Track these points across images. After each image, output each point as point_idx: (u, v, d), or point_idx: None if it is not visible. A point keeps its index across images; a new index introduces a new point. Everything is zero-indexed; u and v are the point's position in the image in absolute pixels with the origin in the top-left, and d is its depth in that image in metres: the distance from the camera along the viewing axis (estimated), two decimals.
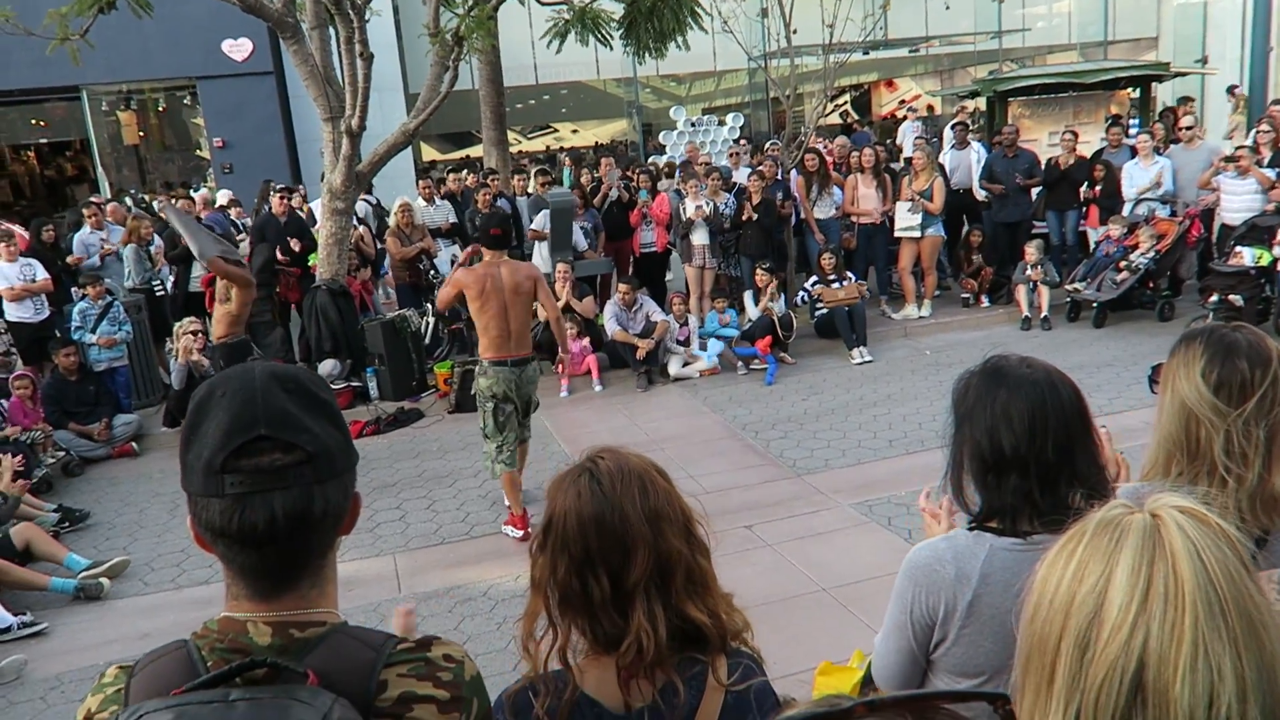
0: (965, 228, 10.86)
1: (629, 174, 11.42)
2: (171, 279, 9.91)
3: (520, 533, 5.79)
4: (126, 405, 8.54)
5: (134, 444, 8.13)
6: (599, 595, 1.42)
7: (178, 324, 8.75)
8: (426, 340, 9.25)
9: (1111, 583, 0.96)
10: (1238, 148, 9.84)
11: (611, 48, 11.65)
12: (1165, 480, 1.98)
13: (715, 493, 6.31)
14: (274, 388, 1.15)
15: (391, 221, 9.81)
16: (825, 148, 11.30)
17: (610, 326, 8.93)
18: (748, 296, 9.35)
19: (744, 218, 9.71)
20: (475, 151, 18.38)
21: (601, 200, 10.46)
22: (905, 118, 15.71)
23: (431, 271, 9.84)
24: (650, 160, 15.32)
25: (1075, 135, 10.45)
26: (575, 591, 1.44)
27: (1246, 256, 8.51)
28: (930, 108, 19.21)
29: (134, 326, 8.76)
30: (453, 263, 10.31)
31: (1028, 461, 1.68)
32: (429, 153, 22.95)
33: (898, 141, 12.68)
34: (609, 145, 22.93)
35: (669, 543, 1.43)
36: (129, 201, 17.04)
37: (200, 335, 8.37)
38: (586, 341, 8.95)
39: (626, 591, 1.42)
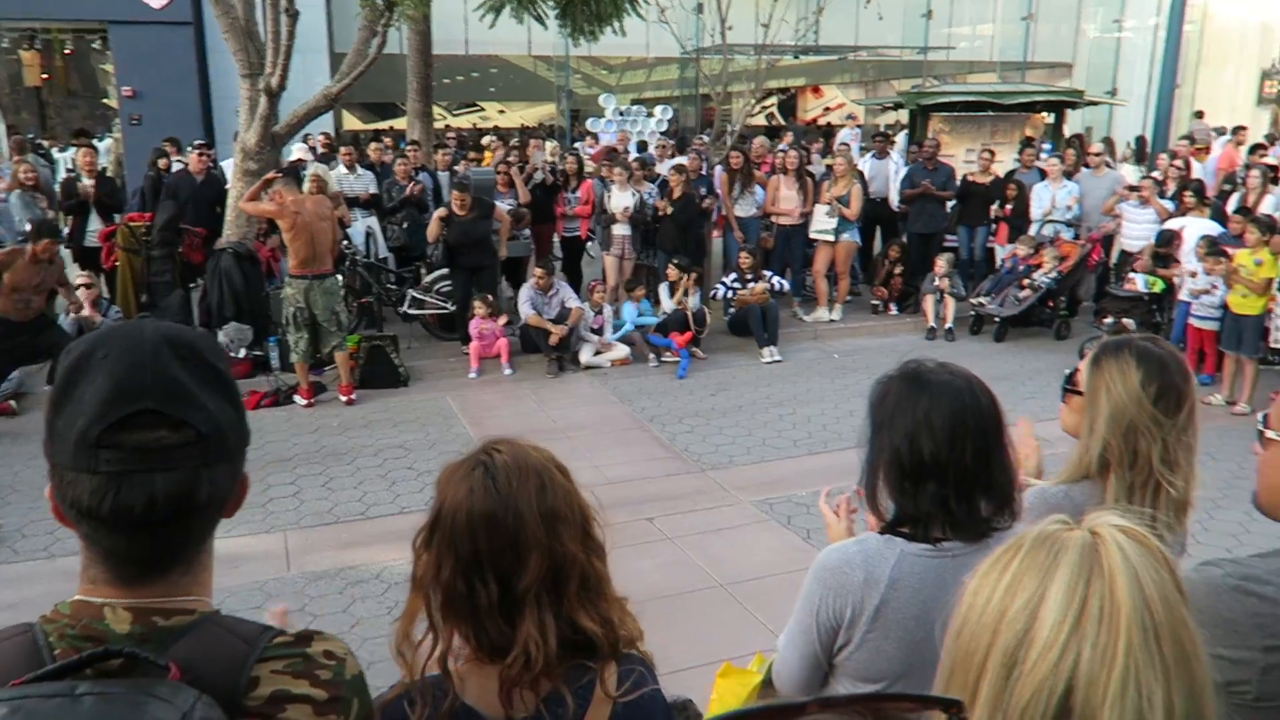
0: (881, 238, 11.10)
1: (554, 157, 11.31)
2: (66, 230, 9.41)
3: (305, 401, 7.86)
4: None
5: (13, 402, 7.70)
6: (486, 600, 1.33)
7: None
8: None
9: (1045, 601, 0.93)
10: (1142, 178, 10.29)
11: (546, 26, 11.51)
12: (1074, 484, 2.04)
13: (619, 483, 6.31)
14: (167, 354, 1.03)
15: (305, 189, 9.49)
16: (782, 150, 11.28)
17: (524, 310, 8.84)
18: (663, 289, 9.37)
19: (660, 213, 9.72)
20: (399, 123, 17.97)
21: (526, 179, 10.34)
22: (844, 126, 15.97)
23: (344, 242, 9.57)
24: (574, 146, 15.23)
25: (992, 154, 10.77)
26: (460, 595, 1.34)
27: (1140, 283, 8.90)
28: (853, 116, 19.56)
29: None
30: (368, 234, 10.08)
31: (946, 468, 1.68)
32: (351, 121, 22.35)
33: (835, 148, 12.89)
34: (536, 128, 22.70)
35: (565, 547, 1.34)
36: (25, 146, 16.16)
37: (93, 288, 7.99)
38: (500, 323, 8.84)
39: (516, 598, 1.33)
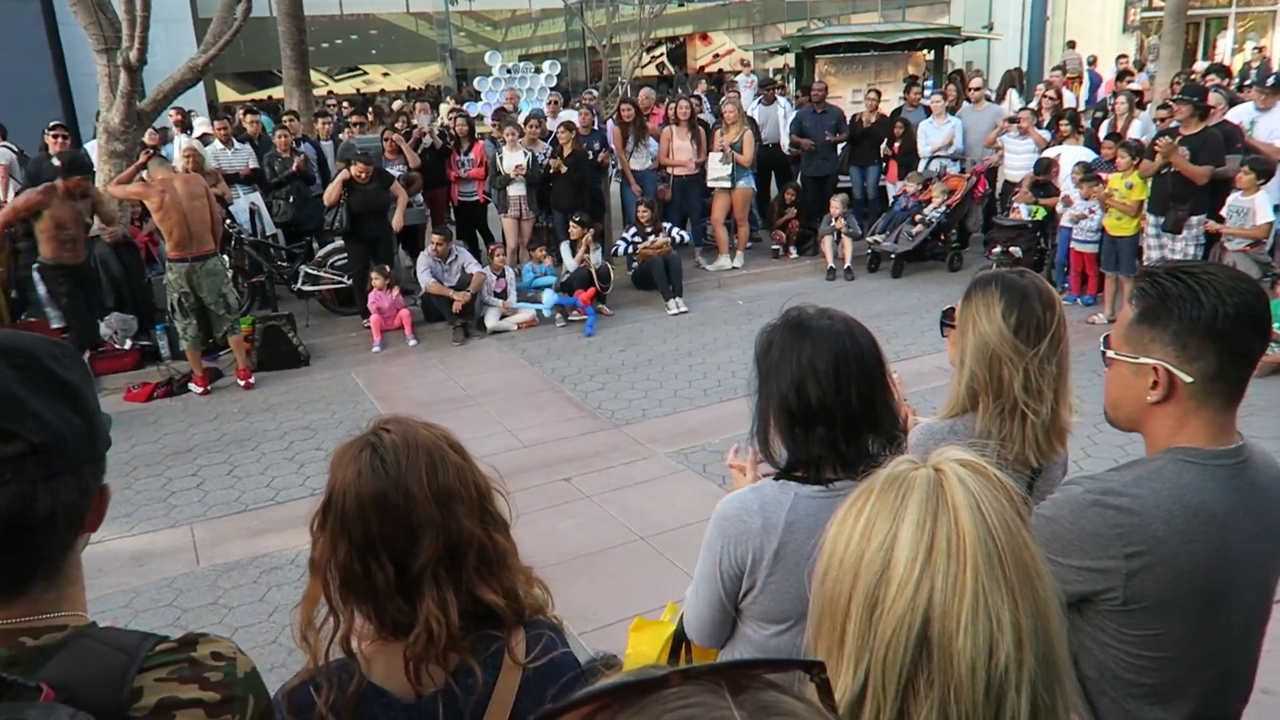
0: (776, 183, 11.19)
1: (449, 118, 11.03)
2: None
3: (201, 389, 7.60)
4: None
5: None
6: (383, 580, 1.32)
7: None
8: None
9: (898, 540, 0.97)
10: (1019, 109, 10.59)
11: None
12: (958, 418, 2.11)
13: (534, 446, 6.28)
14: (3, 365, 1.00)
15: (178, 167, 9.03)
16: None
17: (424, 278, 8.65)
18: (564, 248, 9.29)
19: (551, 170, 9.59)
20: (277, 92, 17.25)
21: (415, 145, 10.06)
22: (738, 72, 15.95)
23: (227, 221, 9.17)
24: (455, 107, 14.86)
25: (878, 94, 10.93)
26: (357, 576, 1.33)
27: (1024, 212, 9.21)
28: (743, 61, 19.58)
29: None
30: (252, 211, 9.68)
31: (833, 411, 1.72)
32: (226, 92, 21.35)
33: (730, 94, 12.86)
34: (423, 90, 22.08)
35: (460, 523, 1.34)
36: None
37: None
38: (397, 294, 8.64)
39: (413, 577, 1.33)
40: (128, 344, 8.00)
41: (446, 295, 8.56)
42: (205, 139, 10.05)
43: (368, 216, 8.66)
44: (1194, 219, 7.50)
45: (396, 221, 9.06)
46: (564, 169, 9.56)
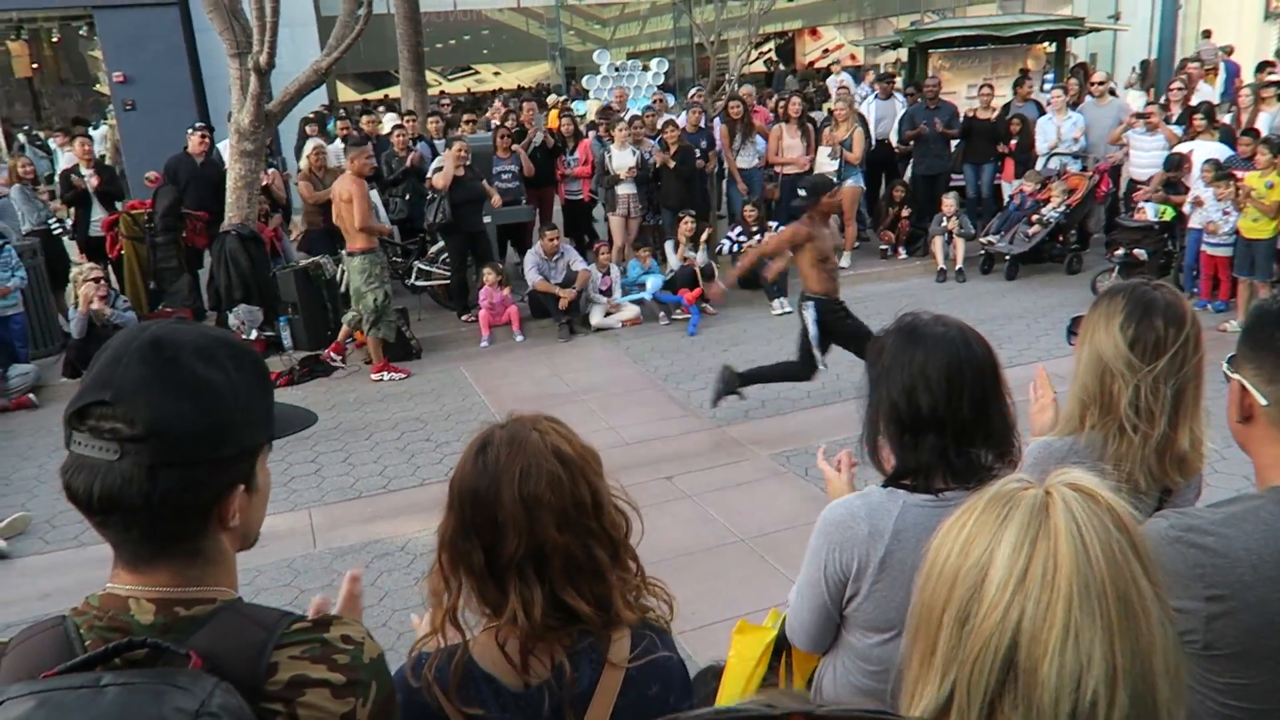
0: (884, 181, 10.98)
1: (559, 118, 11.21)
2: (70, 221, 9.42)
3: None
4: (23, 355, 8.13)
5: (32, 395, 7.77)
6: (477, 563, 1.41)
7: (76, 269, 8.34)
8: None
9: (994, 559, 0.97)
10: (1147, 104, 10.12)
11: None
12: (1079, 435, 2.04)
13: (635, 444, 6.34)
14: (145, 352, 1.08)
15: (304, 164, 9.45)
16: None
17: (531, 276, 8.82)
18: (669, 247, 9.33)
19: (658, 165, 9.63)
20: (394, 92, 17.83)
21: (526, 145, 10.26)
22: (831, 70, 15.73)
23: None
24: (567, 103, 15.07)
25: (992, 89, 10.60)
26: (460, 552, 1.43)
27: (1150, 212, 8.79)
28: (853, 57, 19.25)
29: (29, 272, 8.31)
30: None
31: (945, 420, 1.70)
32: (345, 92, 22.19)
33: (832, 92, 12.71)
34: (535, 89, 22.46)
35: (545, 530, 1.38)
36: (22, 139, 16.12)
37: (103, 283, 8.00)
38: (507, 291, 8.83)
39: (501, 566, 1.40)
40: (254, 334, 8.41)
41: (553, 292, 8.70)
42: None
43: (467, 209, 8.85)
44: None
45: (495, 201, 9.23)
46: (672, 164, 9.59)
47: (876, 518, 1.75)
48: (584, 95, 16.43)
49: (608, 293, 9.09)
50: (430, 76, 19.48)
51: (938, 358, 1.72)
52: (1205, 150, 8.48)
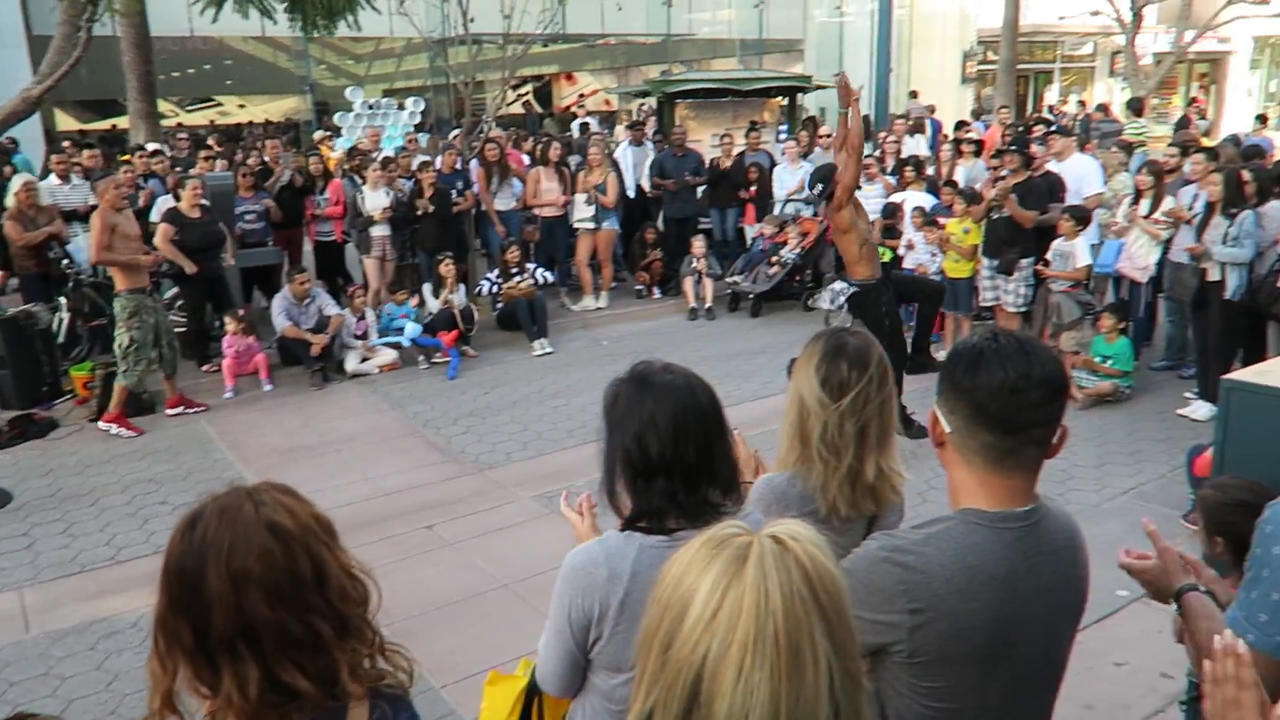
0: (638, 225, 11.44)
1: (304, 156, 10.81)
2: None
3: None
4: None
5: None
6: (187, 642, 1.35)
7: None
8: (61, 339, 8.17)
9: (695, 596, 1.06)
10: (866, 156, 11.17)
11: (276, 20, 10.92)
12: (790, 469, 2.23)
13: (395, 493, 6.18)
14: None
15: (10, 202, 8.52)
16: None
17: (279, 321, 8.40)
18: (427, 289, 9.21)
19: (419, 212, 9.54)
20: (122, 122, 16.46)
21: (273, 185, 9.80)
22: (575, 115, 16.21)
23: (65, 260, 8.68)
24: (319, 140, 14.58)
25: (732, 138, 11.34)
26: (172, 632, 1.37)
27: None
28: (608, 102, 19.95)
29: None
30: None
31: (673, 464, 1.79)
32: (66, 121, 20.22)
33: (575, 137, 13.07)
34: (282, 123, 21.47)
35: (255, 609, 1.34)
36: None
37: None
38: (254, 338, 8.36)
39: (210, 646, 1.35)
40: None
41: (304, 338, 8.33)
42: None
43: (202, 254, 8.31)
44: (1024, 261, 8.07)
45: (229, 259, 8.76)
46: (432, 209, 9.51)
47: (615, 562, 1.82)
48: (336, 132, 15.91)
49: (363, 337, 8.83)
50: (166, 106, 18.17)
51: (666, 405, 1.82)
52: (914, 199, 9.50)
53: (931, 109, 16.20)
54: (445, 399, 8.05)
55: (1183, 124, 14.15)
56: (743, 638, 1.02)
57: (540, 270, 9.81)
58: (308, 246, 10.35)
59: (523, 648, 3.57)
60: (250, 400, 8.13)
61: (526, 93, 22.64)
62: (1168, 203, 7.65)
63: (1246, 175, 6.79)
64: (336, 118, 16.79)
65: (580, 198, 10.30)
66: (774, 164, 11.32)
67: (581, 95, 21.51)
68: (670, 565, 1.12)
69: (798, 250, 10.24)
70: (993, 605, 1.58)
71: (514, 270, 9.50)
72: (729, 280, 10.49)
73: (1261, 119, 15.94)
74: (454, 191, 9.94)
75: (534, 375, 8.62)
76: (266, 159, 10.36)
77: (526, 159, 11.63)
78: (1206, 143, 10.94)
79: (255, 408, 7.99)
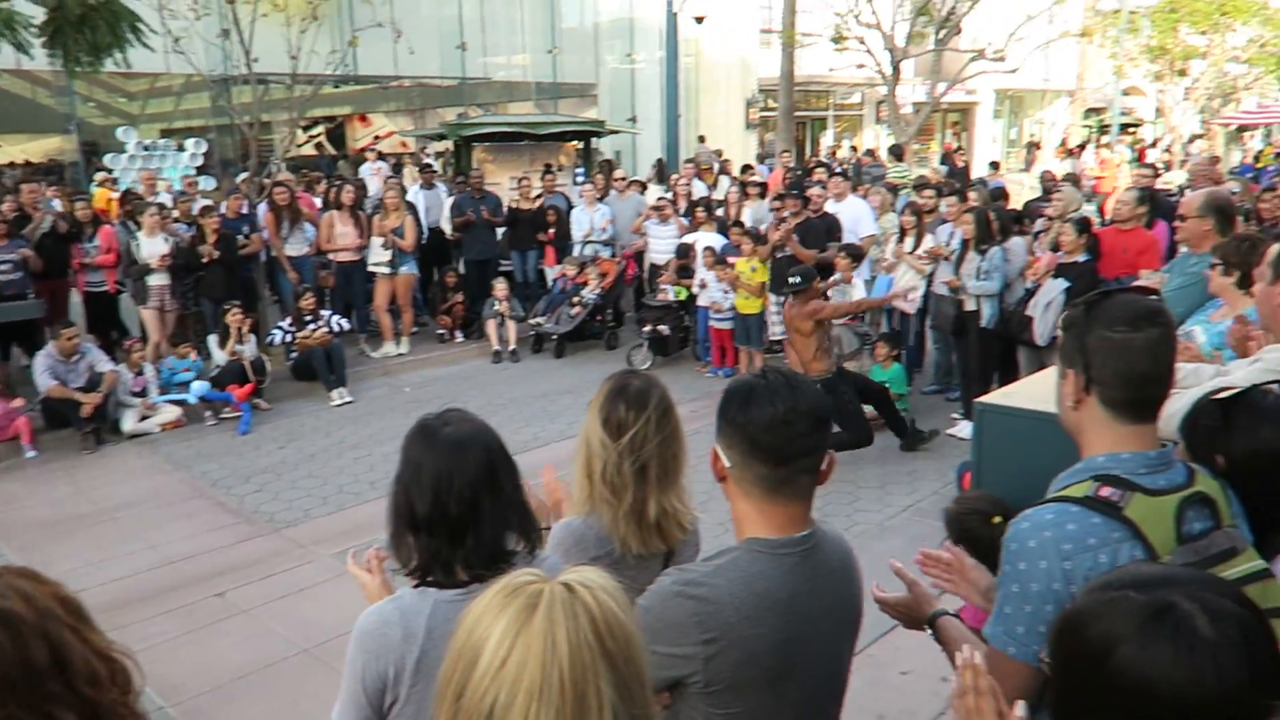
0: (436, 269, 11.34)
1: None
2: None
3: None
4: None
5: None
6: None
7: None
8: None
9: (485, 645, 1.09)
10: (659, 198, 11.60)
11: (33, 56, 10.07)
12: (586, 512, 2.28)
13: (182, 561, 5.78)
14: None
15: None
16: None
17: (43, 381, 7.70)
18: (212, 341, 8.71)
19: (203, 259, 9.04)
20: None
21: (32, 232, 8.99)
22: (367, 158, 15.91)
23: None
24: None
25: (530, 181, 11.48)
26: None
27: (669, 293, 10.05)
28: (404, 145, 19.64)
29: None
30: None
31: (456, 517, 1.79)
32: None
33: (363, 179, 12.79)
34: (49, 164, 19.70)
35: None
36: None
37: None
38: (16, 401, 7.61)
39: None
40: None
41: (73, 398, 7.67)
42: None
43: None
44: None
45: None
46: (216, 255, 9.02)
47: (409, 620, 1.79)
48: (108, 175, 14.79)
49: (142, 394, 8.22)
50: None
51: (445, 459, 1.81)
52: (706, 239, 9.93)
53: (719, 153, 17.00)
54: (236, 456, 7.62)
55: (946, 161, 15.58)
56: (529, 686, 1.05)
57: (336, 318, 9.51)
58: (76, 298, 9.55)
59: (327, 716, 3.43)
60: (10, 469, 7.39)
61: (318, 134, 21.92)
62: (928, 241, 8.39)
63: (992, 215, 7.57)
64: (108, 159, 15.67)
65: (377, 241, 10.09)
66: (571, 206, 11.53)
67: (376, 137, 21.09)
68: (467, 614, 1.14)
69: (598, 291, 10.45)
70: (779, 629, 1.68)
71: (308, 318, 9.16)
72: (532, 322, 10.56)
73: (994, 165, 17.86)
74: (240, 236, 9.49)
75: (333, 426, 8.31)
76: (24, 203, 9.49)
77: (319, 202, 11.27)
78: (952, 183, 12.03)
79: (16, 476, 7.26)
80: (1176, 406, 2.42)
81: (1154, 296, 1.77)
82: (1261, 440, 1.91)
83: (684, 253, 9.98)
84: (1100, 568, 1.55)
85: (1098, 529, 1.59)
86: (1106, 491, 1.63)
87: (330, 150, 21.26)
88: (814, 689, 1.79)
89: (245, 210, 10.02)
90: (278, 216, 9.99)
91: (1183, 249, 5.41)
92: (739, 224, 9.79)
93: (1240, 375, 2.35)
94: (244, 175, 11.64)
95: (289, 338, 9.13)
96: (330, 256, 10.28)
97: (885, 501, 6.41)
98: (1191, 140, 23.92)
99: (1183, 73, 27.29)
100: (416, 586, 1.86)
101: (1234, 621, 1.08)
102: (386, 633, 1.80)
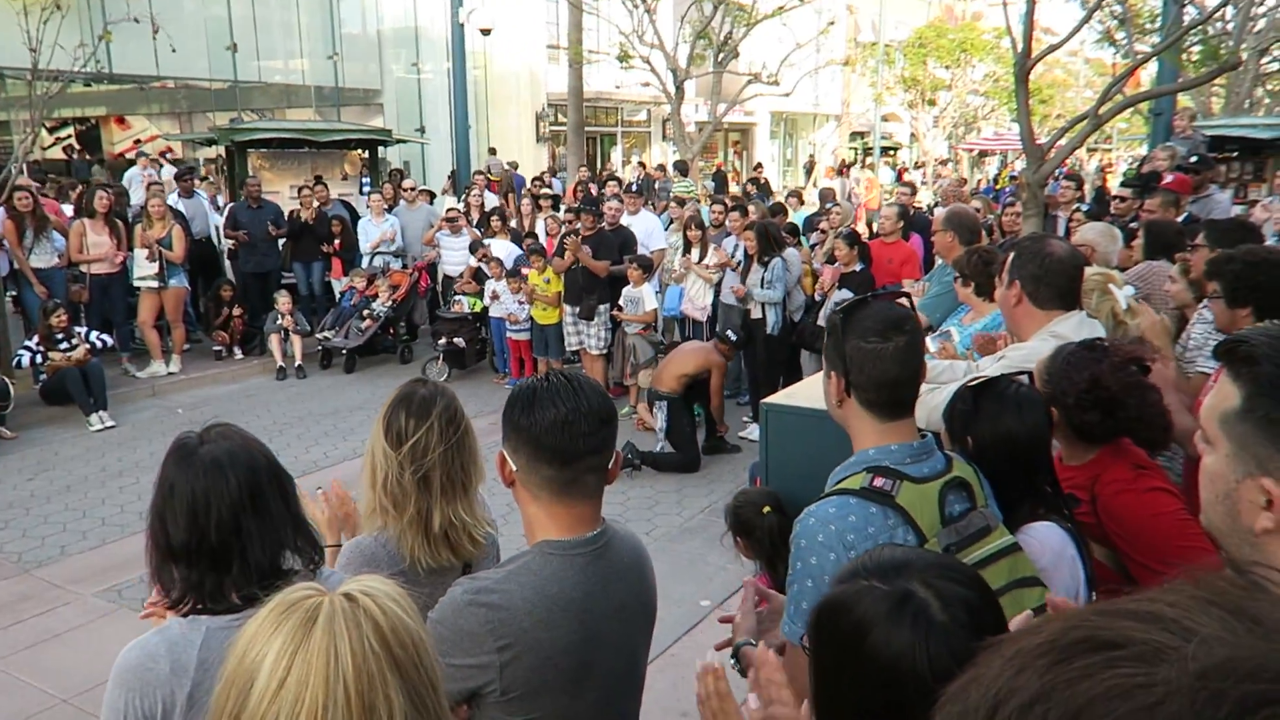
0: (203, 281, 10.62)
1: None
2: None
3: None
4: None
5: None
6: None
7: None
8: None
9: (261, 665, 1.02)
10: (449, 209, 11.42)
11: None
12: (377, 530, 2.18)
13: None
14: None
15: None
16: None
17: None
18: None
19: None
20: None
21: None
22: (134, 161, 14.66)
23: None
24: None
25: (313, 190, 10.96)
26: None
27: (465, 304, 9.90)
28: (169, 150, 18.22)
29: None
30: None
31: (191, 549, 1.67)
32: None
33: (129, 187, 11.75)
34: None
35: None
36: None
37: None
38: None
39: None
40: None
41: None
42: None
43: None
44: (601, 307, 8.73)
45: None
46: None
47: (178, 652, 1.65)
48: None
49: None
50: None
51: (184, 485, 1.68)
52: (499, 249, 9.87)
53: (515, 165, 16.95)
54: None
55: (721, 178, 16.31)
56: (311, 704, 0.99)
57: (95, 334, 8.67)
58: None
59: None
60: None
61: (67, 136, 19.96)
62: (711, 254, 8.74)
63: (770, 230, 7.99)
64: None
65: (141, 253, 9.30)
66: (357, 217, 11.13)
67: (138, 141, 19.48)
68: (238, 637, 1.07)
69: (390, 303, 10.14)
70: (574, 629, 1.68)
71: (59, 335, 8.30)
72: (319, 336, 10.08)
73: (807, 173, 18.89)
74: None
75: (92, 454, 7.58)
76: None
77: (69, 210, 10.26)
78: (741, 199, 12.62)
79: None
80: (938, 399, 2.66)
81: (904, 301, 1.95)
82: (1003, 425, 2.12)
83: (475, 249, 9.85)
84: None
85: (875, 518, 1.72)
86: (880, 481, 1.76)
87: (84, 154, 19.42)
88: (611, 687, 1.80)
89: None
90: (19, 224, 9.01)
91: (938, 260, 5.96)
92: (533, 235, 9.79)
93: (989, 371, 2.59)
94: None
95: (40, 358, 8.23)
96: (83, 268, 9.37)
97: (683, 505, 6.59)
98: (945, 163, 26.31)
99: (932, 102, 30.08)
100: (185, 615, 1.71)
101: (963, 606, 1.19)
102: (151, 666, 1.64)
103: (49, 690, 4.37)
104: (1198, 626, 0.51)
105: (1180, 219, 6.58)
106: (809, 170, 27.25)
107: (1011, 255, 2.86)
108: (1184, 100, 12.93)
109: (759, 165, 23.86)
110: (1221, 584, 0.55)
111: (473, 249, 9.88)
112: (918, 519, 1.73)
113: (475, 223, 11.02)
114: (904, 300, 1.96)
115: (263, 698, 1.00)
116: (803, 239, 9.11)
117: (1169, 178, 8.05)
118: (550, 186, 14.09)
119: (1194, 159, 8.88)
